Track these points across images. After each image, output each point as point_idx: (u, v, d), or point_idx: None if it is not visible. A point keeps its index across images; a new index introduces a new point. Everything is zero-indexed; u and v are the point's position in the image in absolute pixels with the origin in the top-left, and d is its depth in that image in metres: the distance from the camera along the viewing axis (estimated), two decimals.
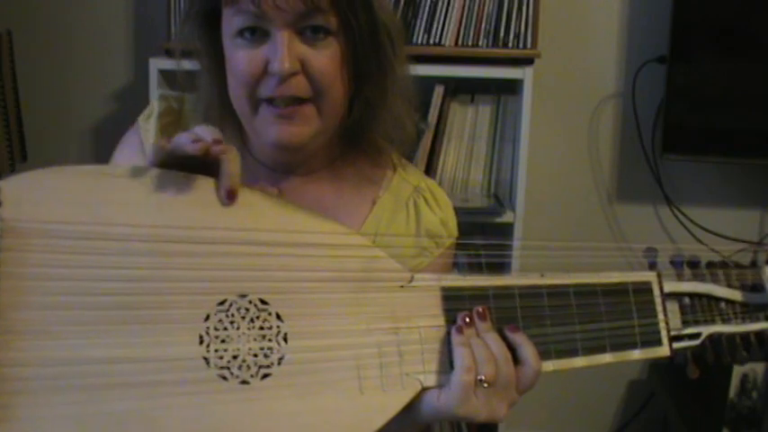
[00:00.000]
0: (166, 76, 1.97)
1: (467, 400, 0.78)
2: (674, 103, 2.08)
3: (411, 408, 0.80)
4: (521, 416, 2.41)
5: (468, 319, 0.81)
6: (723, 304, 0.91)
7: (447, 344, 0.81)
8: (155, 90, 1.98)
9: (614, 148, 2.30)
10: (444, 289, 0.82)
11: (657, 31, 2.13)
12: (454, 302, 0.82)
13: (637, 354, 0.86)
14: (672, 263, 0.93)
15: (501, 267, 0.87)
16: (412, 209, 1.02)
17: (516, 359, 0.82)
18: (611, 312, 0.86)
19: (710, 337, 0.89)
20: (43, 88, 2.25)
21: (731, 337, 0.90)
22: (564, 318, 0.85)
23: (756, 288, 0.93)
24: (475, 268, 0.87)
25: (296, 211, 0.81)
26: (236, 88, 0.92)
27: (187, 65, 0.99)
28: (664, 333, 0.87)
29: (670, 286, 0.91)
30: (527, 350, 0.82)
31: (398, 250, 0.98)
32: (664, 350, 0.87)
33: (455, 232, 1.03)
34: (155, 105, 1.05)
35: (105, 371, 0.68)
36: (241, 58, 0.89)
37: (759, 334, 0.90)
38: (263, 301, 0.75)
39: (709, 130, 2.11)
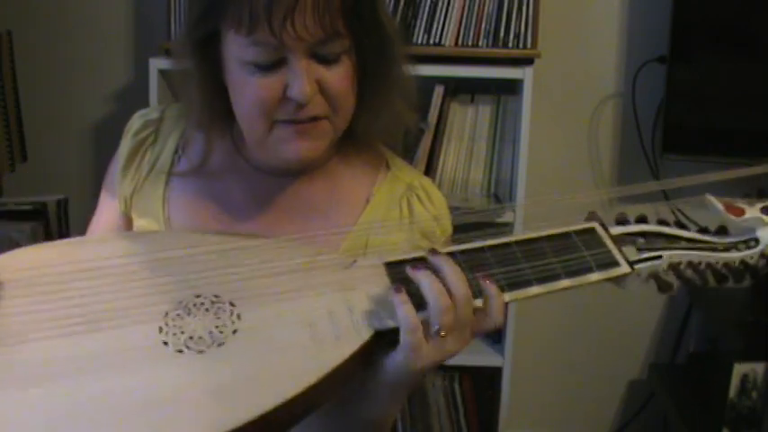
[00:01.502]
0: (166, 76, 1.98)
1: (417, 355, 0.80)
2: (674, 103, 2.08)
3: (374, 368, 0.82)
4: (521, 416, 2.41)
5: (414, 270, 0.81)
6: (684, 242, 0.94)
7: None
8: (155, 90, 1.98)
9: (614, 148, 2.30)
10: (387, 262, 0.86)
11: (657, 31, 2.13)
12: (398, 266, 0.85)
13: (596, 276, 0.87)
14: (618, 222, 0.95)
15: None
16: (405, 207, 1.02)
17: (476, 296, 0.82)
18: (557, 250, 0.88)
19: (673, 258, 0.90)
20: (43, 88, 2.25)
21: (694, 260, 0.91)
22: (509, 261, 0.87)
23: (720, 231, 0.97)
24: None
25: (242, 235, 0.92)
26: (248, 111, 0.91)
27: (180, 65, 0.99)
28: (619, 256, 0.88)
29: (615, 230, 0.92)
30: (490, 289, 0.82)
31: (391, 248, 0.98)
32: (623, 269, 0.88)
33: (449, 229, 1.03)
34: (131, 124, 1.05)
35: (72, 362, 0.78)
36: (257, 86, 0.88)
37: (726, 264, 0.92)
38: (215, 296, 0.84)
39: (710, 130, 2.11)
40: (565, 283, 0.86)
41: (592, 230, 0.91)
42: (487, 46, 2.00)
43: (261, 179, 1.00)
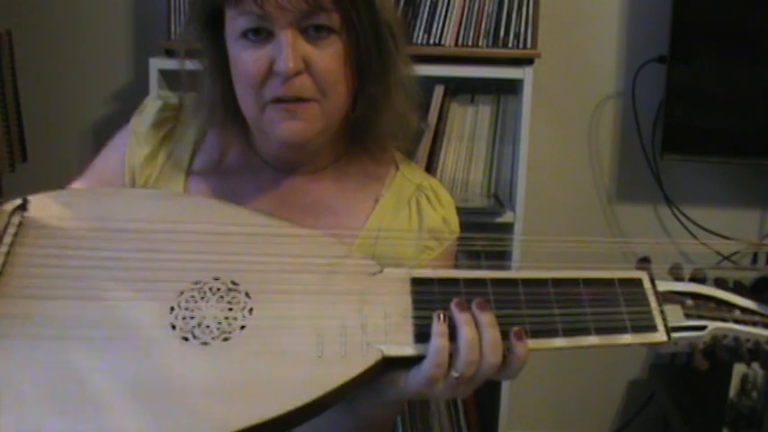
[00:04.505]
0: (166, 76, 1.97)
1: (430, 388, 0.79)
2: (673, 103, 2.08)
3: (376, 384, 0.81)
4: (521, 416, 2.41)
5: (461, 306, 0.79)
6: (738, 312, 0.85)
7: (412, 318, 0.80)
8: (155, 90, 1.98)
9: (614, 148, 2.30)
10: (414, 278, 0.83)
11: (657, 31, 2.13)
12: (422, 286, 0.82)
13: (628, 338, 0.81)
14: (672, 274, 0.88)
15: (501, 257, 0.86)
16: (414, 207, 1.02)
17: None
18: (594, 300, 0.83)
19: (717, 330, 0.83)
20: (43, 88, 2.25)
21: (741, 337, 0.84)
22: (541, 303, 0.82)
23: None
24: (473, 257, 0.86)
25: (277, 217, 0.90)
26: (242, 89, 0.92)
27: (189, 65, 1.00)
28: (659, 320, 0.82)
29: (665, 286, 0.86)
30: (519, 348, 0.80)
31: (400, 248, 0.99)
32: (659, 336, 0.82)
33: (457, 230, 1.03)
34: (148, 102, 1.05)
35: (79, 327, 0.78)
36: (246, 59, 0.90)
37: None
38: (234, 282, 0.82)
39: (709, 130, 2.11)
40: (593, 340, 0.81)
41: (638, 282, 0.85)
42: (487, 46, 2.00)
43: (273, 176, 1.00)
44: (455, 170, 2.10)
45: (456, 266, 1.05)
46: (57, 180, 2.39)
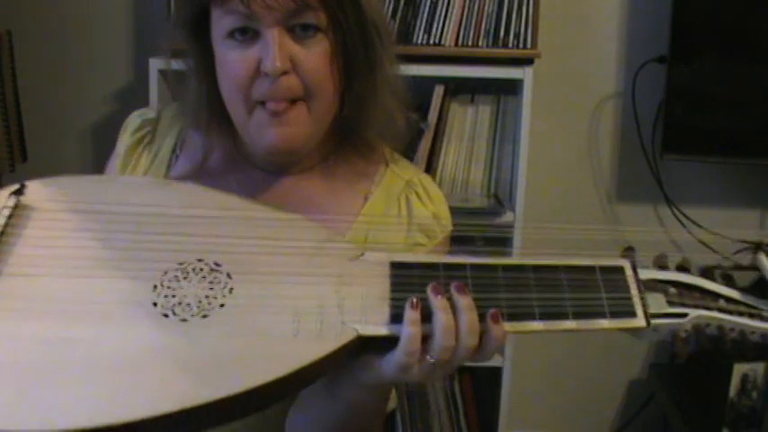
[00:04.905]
0: (166, 76, 1.97)
1: (404, 373, 0.79)
2: (673, 103, 2.08)
3: (351, 366, 0.82)
4: (521, 416, 2.41)
5: (436, 292, 0.78)
6: (723, 301, 0.84)
7: (389, 300, 0.80)
8: (155, 90, 1.98)
9: (614, 148, 2.30)
10: (394, 262, 0.84)
11: (657, 31, 2.13)
12: (401, 270, 0.83)
13: (605, 323, 0.81)
14: (656, 264, 0.87)
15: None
16: (404, 204, 1.02)
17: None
18: (574, 286, 0.82)
19: (699, 319, 0.82)
20: (43, 88, 2.25)
21: (725, 326, 0.82)
22: (519, 287, 0.82)
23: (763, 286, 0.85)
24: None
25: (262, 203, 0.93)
26: (229, 90, 0.92)
27: (176, 65, 1.00)
28: (638, 306, 0.82)
29: (649, 274, 0.85)
30: (496, 330, 0.79)
31: (390, 246, 0.98)
32: (638, 321, 0.81)
33: (449, 225, 1.03)
34: (129, 122, 1.06)
35: (60, 302, 0.80)
36: (233, 60, 0.90)
37: (764, 335, 0.82)
38: (216, 263, 0.84)
39: (709, 130, 2.11)
40: (569, 324, 0.81)
41: (620, 270, 0.84)
42: (487, 46, 2.00)
43: (259, 177, 1.00)
44: (455, 170, 2.10)
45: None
46: None
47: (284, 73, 0.88)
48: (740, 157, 2.12)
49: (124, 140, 1.05)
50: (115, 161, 1.05)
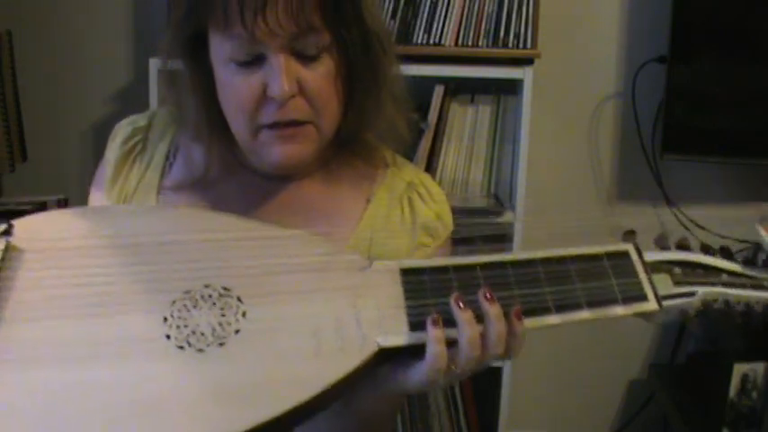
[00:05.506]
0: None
1: (430, 386, 0.79)
2: (673, 103, 2.08)
3: (374, 378, 0.81)
4: (521, 416, 2.41)
5: (461, 304, 0.78)
6: (725, 276, 0.85)
7: (405, 308, 0.80)
8: (155, 90, 1.98)
9: (614, 148, 2.30)
10: (403, 268, 0.83)
11: (657, 31, 2.13)
12: (412, 275, 0.83)
13: (620, 310, 0.82)
14: (657, 245, 0.89)
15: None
16: (406, 205, 1.01)
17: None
18: (584, 275, 0.83)
19: (708, 295, 0.84)
20: (43, 88, 2.25)
21: (731, 300, 0.84)
22: (531, 282, 0.82)
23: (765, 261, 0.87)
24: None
25: (260, 222, 0.91)
26: (233, 114, 0.91)
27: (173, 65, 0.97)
28: (648, 289, 0.83)
29: (652, 256, 0.86)
30: (517, 327, 0.79)
31: (395, 247, 0.98)
32: (651, 305, 0.82)
33: (451, 225, 1.03)
34: (118, 130, 1.04)
35: (73, 346, 0.77)
36: (237, 85, 0.88)
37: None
38: (225, 288, 0.82)
39: (709, 130, 2.11)
40: (585, 314, 0.81)
41: (625, 254, 0.86)
42: (487, 46, 2.00)
43: (259, 183, 0.99)
44: (455, 170, 2.10)
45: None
46: (57, 180, 2.39)
47: (291, 96, 0.87)
48: (740, 157, 2.12)
49: (113, 150, 1.02)
50: (105, 169, 1.03)
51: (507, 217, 2.00)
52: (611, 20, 2.22)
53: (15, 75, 2.08)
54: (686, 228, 2.26)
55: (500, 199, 2.06)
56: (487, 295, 0.79)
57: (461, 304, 0.78)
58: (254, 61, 0.87)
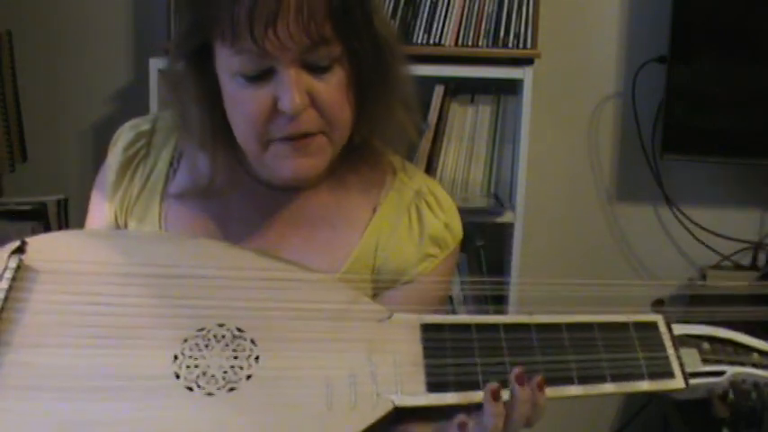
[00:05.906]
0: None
1: None
2: (673, 103, 2.08)
3: None
4: None
5: (520, 382, 0.77)
6: (756, 355, 0.84)
7: (423, 367, 0.78)
8: (155, 90, 1.98)
9: (614, 148, 2.30)
10: (424, 324, 0.81)
11: (657, 31, 2.13)
12: (432, 332, 0.80)
13: (645, 385, 0.80)
14: (654, 311, 0.87)
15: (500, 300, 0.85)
16: (414, 214, 0.99)
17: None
18: (610, 345, 0.81)
19: (737, 376, 0.83)
20: (43, 88, 2.25)
21: (761, 382, 0.83)
22: (555, 349, 0.81)
23: None
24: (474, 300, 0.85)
25: (279, 258, 0.88)
26: (242, 127, 0.88)
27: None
28: (675, 366, 0.81)
29: (680, 329, 0.85)
30: (540, 401, 0.79)
31: (401, 256, 0.96)
32: (677, 383, 0.81)
33: (460, 235, 1.01)
34: (120, 134, 1.01)
35: (80, 377, 0.75)
36: (247, 99, 0.85)
37: None
38: (239, 329, 0.79)
39: (709, 130, 2.11)
40: (609, 387, 0.80)
41: (653, 325, 0.84)
42: (487, 46, 2.00)
43: (265, 193, 0.97)
44: (455, 170, 2.10)
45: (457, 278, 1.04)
46: (57, 180, 2.39)
47: (303, 109, 0.85)
48: (740, 157, 2.12)
49: (116, 155, 1.00)
50: (107, 173, 1.01)
51: (507, 217, 2.00)
52: (611, 20, 2.22)
53: (15, 75, 2.07)
54: (686, 228, 2.26)
55: (500, 199, 2.06)
56: (540, 384, 0.78)
57: (522, 381, 0.77)
58: (263, 75, 0.84)
